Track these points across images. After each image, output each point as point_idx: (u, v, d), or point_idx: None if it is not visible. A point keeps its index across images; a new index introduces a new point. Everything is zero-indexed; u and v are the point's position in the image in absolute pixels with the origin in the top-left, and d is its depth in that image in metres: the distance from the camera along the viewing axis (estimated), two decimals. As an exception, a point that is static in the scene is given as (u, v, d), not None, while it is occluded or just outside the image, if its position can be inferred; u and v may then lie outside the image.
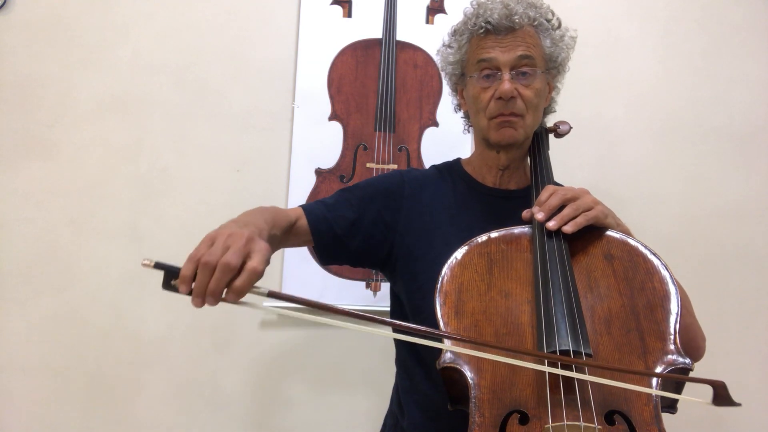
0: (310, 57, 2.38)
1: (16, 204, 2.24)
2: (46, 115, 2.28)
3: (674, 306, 1.33)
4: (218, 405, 2.25)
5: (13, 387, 2.19)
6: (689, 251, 2.40)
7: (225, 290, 1.09)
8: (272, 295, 1.10)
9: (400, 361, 1.76)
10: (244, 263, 1.09)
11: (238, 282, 1.07)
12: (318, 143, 2.35)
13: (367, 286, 2.30)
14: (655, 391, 1.21)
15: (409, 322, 1.66)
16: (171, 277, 1.08)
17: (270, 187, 2.32)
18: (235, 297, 1.08)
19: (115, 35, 2.34)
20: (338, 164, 2.34)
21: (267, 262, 1.14)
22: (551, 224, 1.43)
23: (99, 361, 2.22)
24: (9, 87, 2.27)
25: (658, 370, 1.24)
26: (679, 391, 1.29)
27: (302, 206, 1.64)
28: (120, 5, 2.35)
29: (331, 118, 2.37)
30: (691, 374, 1.25)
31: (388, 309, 1.81)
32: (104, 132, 2.30)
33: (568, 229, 1.41)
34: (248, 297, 1.11)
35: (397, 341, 1.77)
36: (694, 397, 1.19)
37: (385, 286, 2.24)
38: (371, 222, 1.66)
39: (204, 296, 1.07)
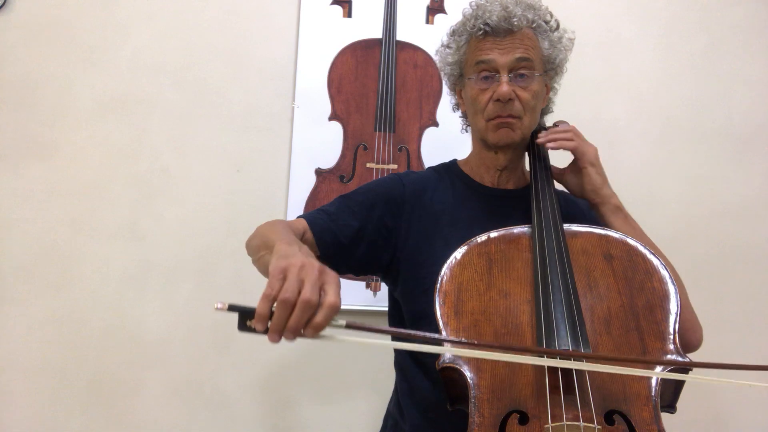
0: (310, 57, 2.38)
1: (16, 204, 2.24)
2: (46, 115, 2.28)
3: (674, 306, 1.33)
4: (218, 405, 2.25)
5: (13, 387, 2.19)
6: (689, 251, 2.39)
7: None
8: (350, 326, 1.08)
9: (398, 364, 1.76)
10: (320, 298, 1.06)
11: (318, 318, 1.04)
12: (318, 143, 2.35)
13: (367, 286, 2.30)
14: (657, 373, 1.21)
15: (406, 326, 1.68)
16: (247, 317, 1.06)
17: (270, 187, 2.32)
18: (314, 333, 1.06)
19: (115, 35, 2.34)
20: (338, 164, 2.34)
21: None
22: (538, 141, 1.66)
23: (99, 361, 2.22)
24: (9, 87, 2.27)
25: (658, 369, 1.24)
26: (680, 386, 1.29)
27: (304, 217, 1.63)
28: (120, 5, 2.35)
29: (331, 118, 2.37)
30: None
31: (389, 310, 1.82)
32: (104, 132, 2.30)
33: (540, 140, 1.65)
34: (326, 330, 1.08)
35: (397, 349, 1.77)
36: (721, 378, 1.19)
37: (385, 286, 2.24)
38: (374, 229, 1.65)
39: (282, 333, 1.05)
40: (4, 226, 2.23)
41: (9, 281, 2.21)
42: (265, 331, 1.05)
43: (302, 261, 1.10)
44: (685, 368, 1.25)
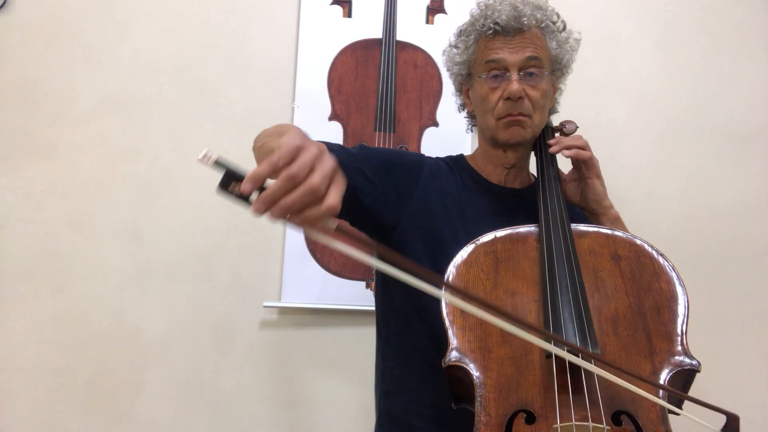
0: (310, 57, 2.38)
1: (16, 204, 2.23)
2: (46, 115, 2.28)
3: (681, 307, 1.33)
4: (218, 405, 2.25)
5: (13, 387, 2.18)
6: (689, 251, 2.40)
7: None
8: (340, 229, 0.99)
9: (392, 356, 1.74)
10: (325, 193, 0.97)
11: (314, 212, 0.95)
12: (318, 143, 2.34)
13: (367, 286, 2.30)
14: (660, 401, 1.20)
15: (400, 314, 1.66)
16: (232, 178, 0.97)
17: (270, 187, 2.32)
18: (302, 223, 0.97)
19: (115, 35, 2.34)
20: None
21: None
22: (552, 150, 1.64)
23: (99, 361, 2.22)
24: (9, 87, 2.27)
25: (666, 371, 1.25)
26: (686, 388, 1.30)
27: (325, 143, 1.59)
28: (120, 5, 2.35)
29: (331, 118, 2.37)
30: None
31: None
32: (104, 132, 2.30)
33: (554, 149, 1.63)
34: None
35: (392, 334, 1.74)
36: (705, 423, 1.18)
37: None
38: (387, 187, 1.61)
39: (271, 207, 0.95)
40: (4, 226, 2.22)
41: (9, 281, 2.21)
42: (247, 199, 0.97)
43: (320, 149, 1.00)
44: (692, 371, 1.26)
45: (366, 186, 1.58)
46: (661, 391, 1.23)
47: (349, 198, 1.55)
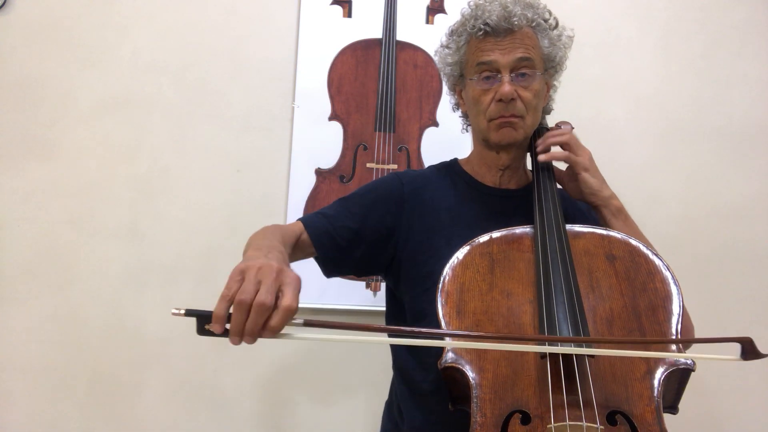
0: (310, 57, 2.38)
1: (16, 204, 2.24)
2: (46, 115, 2.28)
3: (676, 306, 1.33)
4: (218, 405, 2.25)
5: (13, 387, 2.19)
6: (689, 251, 2.40)
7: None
8: (308, 324, 1.08)
9: (398, 366, 1.75)
10: (277, 298, 1.07)
11: (274, 321, 1.05)
12: (318, 143, 2.35)
13: (367, 286, 2.30)
14: (668, 355, 1.21)
15: (407, 324, 1.67)
16: (204, 321, 1.07)
17: (270, 187, 2.32)
18: (272, 335, 1.07)
19: (115, 35, 2.34)
20: (338, 164, 2.34)
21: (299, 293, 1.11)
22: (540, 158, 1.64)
23: (99, 360, 2.22)
24: (9, 87, 2.27)
25: (660, 370, 1.24)
26: (681, 387, 1.29)
27: (302, 220, 1.64)
28: (120, 5, 2.35)
29: (331, 118, 2.37)
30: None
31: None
32: (104, 132, 2.30)
33: (542, 158, 1.63)
34: (284, 329, 1.09)
35: (395, 348, 1.76)
36: (723, 356, 1.19)
37: (384, 286, 2.24)
38: (374, 229, 1.65)
39: (241, 336, 1.06)
40: (4, 226, 2.23)
41: (9, 281, 2.21)
42: (224, 334, 1.06)
43: (261, 263, 1.10)
44: (687, 370, 1.26)
45: (353, 241, 1.64)
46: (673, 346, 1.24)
47: (342, 258, 1.65)
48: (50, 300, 2.22)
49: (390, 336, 1.19)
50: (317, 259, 1.66)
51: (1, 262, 2.22)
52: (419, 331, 1.15)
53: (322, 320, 1.09)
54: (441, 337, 1.29)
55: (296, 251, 1.57)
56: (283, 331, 1.09)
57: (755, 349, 1.15)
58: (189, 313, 1.05)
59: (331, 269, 1.69)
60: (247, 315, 1.05)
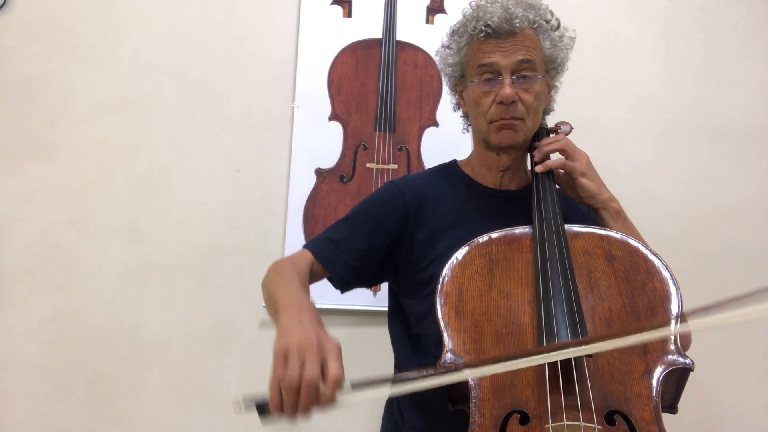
0: (310, 57, 2.38)
1: (16, 204, 2.24)
2: (46, 115, 2.28)
3: (675, 306, 1.33)
4: (218, 405, 2.24)
5: (13, 387, 2.19)
6: (689, 251, 2.39)
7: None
8: (356, 386, 1.14)
9: (399, 365, 1.75)
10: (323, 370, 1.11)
11: (325, 394, 1.10)
12: (318, 143, 2.35)
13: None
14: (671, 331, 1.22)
15: (411, 326, 1.67)
16: (264, 409, 1.10)
17: (270, 187, 2.32)
18: (324, 407, 1.11)
19: (115, 35, 2.34)
20: (338, 164, 2.34)
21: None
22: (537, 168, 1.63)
23: (99, 360, 2.22)
24: (9, 87, 2.27)
25: (659, 369, 1.24)
26: (681, 387, 1.29)
27: (310, 250, 1.63)
28: (120, 5, 2.35)
29: (331, 118, 2.37)
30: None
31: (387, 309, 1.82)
32: (104, 132, 2.30)
33: (539, 169, 1.62)
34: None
35: (396, 347, 1.77)
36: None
37: (385, 286, 2.24)
38: (382, 244, 1.66)
39: (299, 415, 1.09)
40: (4, 226, 2.23)
41: (9, 281, 2.21)
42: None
43: (299, 338, 1.13)
44: (686, 370, 1.26)
45: (365, 259, 1.64)
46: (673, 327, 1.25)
47: (358, 278, 1.68)
48: (50, 300, 2.22)
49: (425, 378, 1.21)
50: (330, 280, 1.65)
51: (1, 262, 2.22)
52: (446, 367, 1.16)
53: (366, 379, 1.14)
54: (460, 370, 1.28)
55: (311, 281, 1.58)
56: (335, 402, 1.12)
57: None
58: (249, 405, 1.10)
59: (345, 288, 1.69)
60: (297, 395, 1.08)
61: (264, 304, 1.53)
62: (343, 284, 1.66)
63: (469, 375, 1.24)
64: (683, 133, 2.48)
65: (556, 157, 1.64)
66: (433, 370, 1.18)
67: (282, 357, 1.11)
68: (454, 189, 1.74)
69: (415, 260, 1.65)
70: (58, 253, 2.24)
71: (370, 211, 1.71)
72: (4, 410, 2.18)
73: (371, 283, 1.77)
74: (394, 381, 1.19)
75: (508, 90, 1.55)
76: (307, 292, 1.44)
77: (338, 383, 1.10)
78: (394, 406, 1.76)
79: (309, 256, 1.61)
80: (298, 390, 1.07)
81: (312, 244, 1.65)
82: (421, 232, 1.66)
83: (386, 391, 1.19)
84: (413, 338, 1.67)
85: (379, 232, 1.66)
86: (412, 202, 1.69)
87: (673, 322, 1.29)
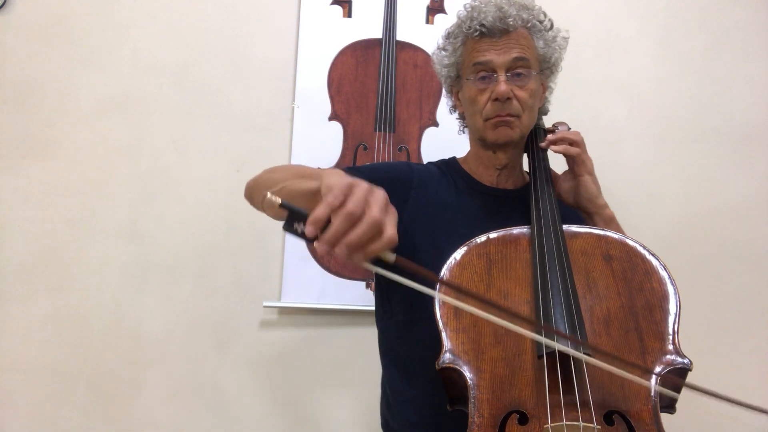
0: (310, 57, 2.38)
1: (16, 204, 2.24)
2: (46, 115, 2.28)
3: (673, 306, 1.33)
4: (218, 405, 2.25)
5: (13, 387, 2.19)
6: (689, 251, 2.40)
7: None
8: (398, 263, 1.03)
9: (390, 359, 1.75)
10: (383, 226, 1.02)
11: (375, 246, 1.00)
12: (318, 143, 2.35)
13: (367, 286, 2.30)
14: (653, 386, 1.21)
15: (399, 320, 1.67)
16: (297, 219, 1.02)
17: (270, 187, 2.32)
18: (364, 259, 1.01)
19: (115, 35, 2.34)
20: (338, 164, 2.34)
21: None
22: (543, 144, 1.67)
23: (99, 360, 2.22)
24: (9, 87, 2.27)
25: (657, 369, 1.25)
26: (679, 387, 1.29)
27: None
28: (120, 5, 2.35)
29: (331, 118, 2.37)
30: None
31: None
32: (104, 132, 2.30)
33: (544, 144, 1.66)
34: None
35: (390, 339, 1.75)
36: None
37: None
38: None
39: (336, 245, 1.00)
40: (4, 226, 2.23)
41: (9, 281, 2.22)
42: (312, 238, 1.01)
43: (371, 186, 1.05)
44: (684, 370, 1.26)
45: None
46: (654, 378, 1.24)
47: None
48: (50, 300, 2.22)
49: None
50: None
51: (1, 262, 2.22)
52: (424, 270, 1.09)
53: (410, 263, 1.04)
54: (433, 286, 1.24)
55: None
56: (371, 263, 1.03)
57: None
58: (285, 205, 1.01)
59: None
60: (350, 226, 0.99)
61: (269, 188, 1.47)
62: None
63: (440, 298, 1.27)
64: (683, 133, 2.48)
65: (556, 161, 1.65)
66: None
67: (347, 189, 1.02)
68: (454, 183, 1.75)
69: (410, 245, 1.62)
70: (58, 253, 2.24)
71: (377, 173, 1.69)
72: (4, 410, 2.18)
73: None
74: (432, 280, 1.12)
75: (503, 87, 1.56)
76: None
77: (391, 244, 1.00)
78: (383, 403, 1.76)
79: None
80: (354, 223, 0.99)
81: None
82: (422, 217, 1.66)
83: (419, 287, 1.11)
84: (401, 327, 1.68)
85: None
86: (418, 183, 1.70)
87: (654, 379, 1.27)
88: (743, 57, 2.53)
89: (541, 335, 1.21)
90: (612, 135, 2.45)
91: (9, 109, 2.26)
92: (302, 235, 1.02)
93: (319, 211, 1.00)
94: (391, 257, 1.02)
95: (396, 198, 1.64)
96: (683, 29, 2.53)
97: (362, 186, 1.03)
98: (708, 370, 2.20)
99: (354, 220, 0.99)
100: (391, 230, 1.00)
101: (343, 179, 1.04)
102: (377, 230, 0.99)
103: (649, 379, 1.23)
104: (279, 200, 1.01)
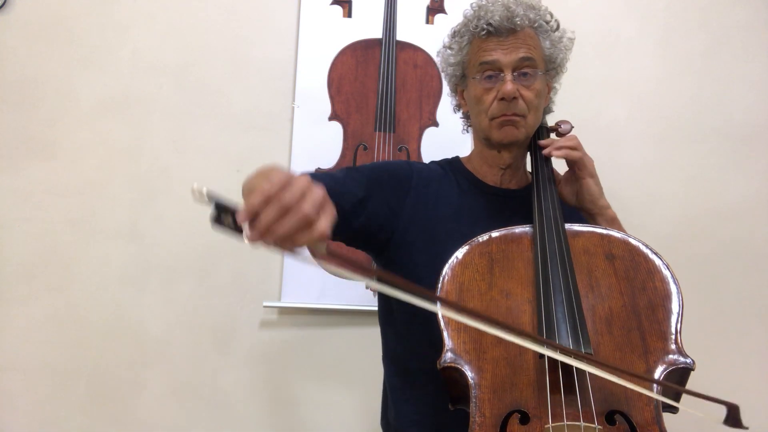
0: (310, 57, 2.38)
1: (16, 204, 2.24)
2: (46, 115, 2.28)
3: (675, 305, 1.33)
4: (218, 405, 2.25)
5: (13, 387, 2.19)
6: (689, 251, 2.40)
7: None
8: (331, 254, 1.04)
9: (391, 359, 1.76)
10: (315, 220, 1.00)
11: (304, 238, 0.99)
12: (318, 143, 2.35)
13: (367, 286, 2.30)
14: (654, 395, 1.21)
15: (396, 319, 1.67)
16: (225, 211, 1.00)
17: (270, 187, 2.32)
18: (292, 248, 1.01)
19: (115, 35, 2.34)
20: (338, 164, 2.34)
21: None
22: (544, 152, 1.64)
23: (99, 361, 2.22)
24: (9, 87, 2.27)
25: (660, 369, 1.25)
26: (679, 395, 1.29)
27: (310, 175, 1.61)
28: (120, 5, 2.35)
29: (331, 118, 2.37)
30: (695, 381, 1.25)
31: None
32: (104, 132, 2.30)
33: (545, 152, 1.63)
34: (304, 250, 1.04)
35: (390, 338, 1.76)
36: (705, 414, 1.17)
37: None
38: (378, 204, 1.63)
39: (264, 235, 0.99)
40: (4, 226, 2.23)
41: (9, 281, 2.21)
42: (241, 231, 1.00)
43: (309, 180, 1.04)
44: (687, 370, 1.26)
45: (356, 208, 1.60)
46: (655, 386, 1.23)
47: (341, 222, 1.59)
48: (50, 300, 2.22)
49: (379, 281, 1.16)
50: None
51: (1, 262, 2.22)
52: (414, 287, 1.09)
53: (343, 255, 1.05)
54: (434, 301, 1.25)
55: None
56: (299, 251, 1.03)
57: (738, 419, 1.16)
58: (211, 197, 0.99)
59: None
60: (281, 216, 0.98)
61: (245, 187, 1.47)
62: None
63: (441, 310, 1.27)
64: (683, 133, 2.48)
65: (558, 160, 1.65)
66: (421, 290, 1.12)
67: (285, 180, 1.01)
68: (457, 182, 1.75)
69: (409, 244, 1.64)
70: (58, 253, 2.24)
71: (377, 171, 1.71)
72: (4, 410, 2.18)
73: (352, 237, 1.66)
74: (374, 275, 1.13)
75: (509, 86, 1.56)
76: None
77: (324, 237, 1.00)
78: (385, 405, 1.76)
79: (306, 177, 1.58)
80: (286, 214, 0.98)
81: (311, 173, 1.58)
82: (422, 216, 1.66)
83: (354, 276, 1.11)
84: (402, 327, 1.68)
85: (378, 193, 1.64)
86: (418, 184, 1.70)
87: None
88: (743, 57, 2.53)
89: (544, 346, 1.21)
90: (612, 135, 2.45)
91: (9, 109, 2.26)
92: (231, 227, 1.00)
93: (253, 199, 0.99)
94: (322, 248, 1.03)
95: (396, 198, 1.65)
96: (683, 29, 2.53)
97: (301, 180, 1.02)
98: (708, 370, 2.20)
99: (286, 211, 0.98)
100: (322, 224, 1.00)
101: (284, 173, 1.03)
102: (307, 222, 0.99)
103: (650, 388, 1.23)
104: (205, 190, 0.99)
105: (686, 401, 1.23)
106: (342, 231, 1.63)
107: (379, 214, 1.63)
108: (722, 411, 1.17)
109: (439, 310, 1.29)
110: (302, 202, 0.99)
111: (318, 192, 1.02)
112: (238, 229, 1.00)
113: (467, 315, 1.18)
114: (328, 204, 1.04)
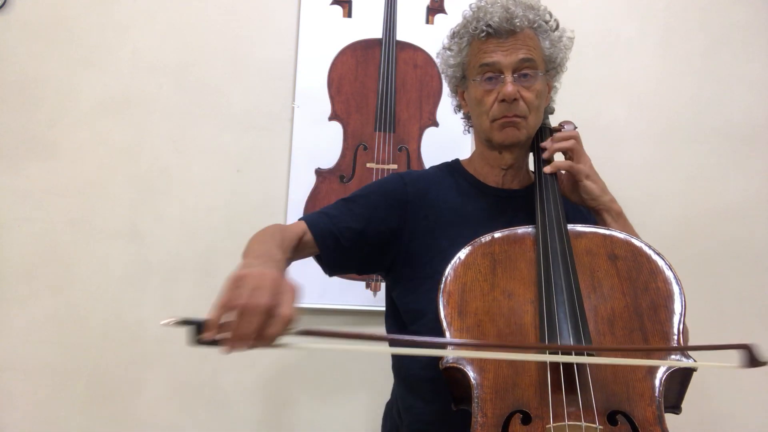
0: (310, 57, 2.38)
1: (16, 204, 2.23)
2: (46, 115, 2.28)
3: (678, 306, 1.33)
4: (218, 405, 2.25)
5: (13, 387, 2.19)
6: (689, 251, 2.40)
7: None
8: (305, 333, 1.05)
9: (397, 368, 1.76)
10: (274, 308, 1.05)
11: (271, 329, 1.03)
12: (318, 143, 2.35)
13: (367, 286, 2.30)
14: (662, 362, 1.22)
15: (404, 324, 1.67)
16: (197, 330, 1.04)
17: (270, 187, 2.32)
18: (267, 342, 1.04)
19: (115, 35, 2.34)
20: (338, 164, 2.34)
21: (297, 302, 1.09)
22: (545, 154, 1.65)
23: (99, 361, 2.22)
24: (9, 87, 2.27)
25: (662, 369, 1.25)
26: (684, 387, 1.29)
27: (305, 219, 1.63)
28: (120, 5, 2.35)
29: (331, 118, 2.37)
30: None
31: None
32: (104, 132, 2.30)
33: (546, 155, 1.64)
34: (281, 339, 1.06)
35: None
36: (723, 363, 1.18)
37: (384, 286, 2.24)
38: (377, 231, 1.65)
39: (234, 343, 1.03)
40: (4, 226, 2.23)
41: (9, 281, 2.21)
42: (217, 342, 1.04)
43: (259, 271, 1.09)
44: (689, 370, 1.26)
45: (357, 242, 1.63)
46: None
47: (346, 259, 1.65)
48: (50, 300, 2.22)
49: (390, 345, 1.18)
50: (318, 259, 1.66)
51: (1, 262, 2.21)
52: (420, 340, 1.13)
53: (320, 330, 1.06)
54: (443, 346, 1.29)
55: (298, 252, 1.57)
56: (279, 342, 1.06)
57: (755, 356, 1.16)
58: (181, 322, 1.03)
59: (333, 269, 1.69)
60: (240, 318, 1.03)
61: None
62: (331, 262, 1.66)
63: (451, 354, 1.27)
64: (683, 133, 2.49)
65: (561, 158, 1.65)
66: (405, 339, 1.14)
67: (235, 283, 1.07)
68: (457, 186, 1.75)
69: (413, 255, 1.65)
70: (58, 253, 2.24)
71: (371, 197, 1.71)
72: (4, 410, 2.18)
73: (360, 268, 1.75)
74: (347, 337, 1.15)
75: (510, 87, 1.56)
76: (284, 253, 1.41)
77: (287, 321, 1.03)
78: (394, 408, 1.76)
79: (302, 225, 1.61)
80: (243, 313, 1.02)
81: (307, 216, 1.66)
82: (422, 226, 1.66)
83: (337, 347, 1.15)
84: (406, 329, 1.67)
85: (375, 218, 1.66)
86: (414, 195, 1.70)
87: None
88: (743, 57, 2.53)
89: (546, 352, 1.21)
90: (612, 135, 2.46)
91: (9, 109, 2.26)
92: (208, 342, 1.04)
93: (212, 315, 1.04)
94: (293, 331, 1.05)
95: (394, 216, 1.67)
96: (683, 29, 2.53)
97: (250, 276, 1.07)
98: (710, 370, 2.21)
99: (241, 312, 1.02)
100: (284, 308, 1.04)
101: (235, 273, 1.09)
102: (267, 313, 1.02)
103: (653, 380, 1.23)
104: (172, 321, 1.03)
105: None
106: (349, 265, 1.69)
107: (381, 239, 1.66)
108: (737, 356, 1.17)
109: (450, 353, 1.29)
110: (255, 296, 1.03)
111: (268, 280, 1.06)
112: (215, 342, 1.04)
113: (476, 348, 1.19)
114: (284, 285, 1.08)
